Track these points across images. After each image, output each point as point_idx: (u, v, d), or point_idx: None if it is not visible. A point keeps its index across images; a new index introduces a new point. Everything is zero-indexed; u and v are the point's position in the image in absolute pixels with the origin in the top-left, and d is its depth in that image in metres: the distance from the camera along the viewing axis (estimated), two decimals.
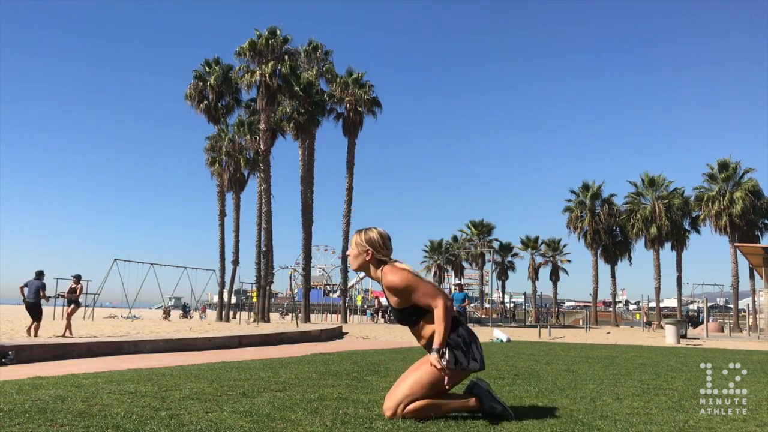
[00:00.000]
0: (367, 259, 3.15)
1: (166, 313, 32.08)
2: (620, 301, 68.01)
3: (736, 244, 31.56)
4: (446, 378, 2.96)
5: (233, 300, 35.41)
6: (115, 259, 27.12)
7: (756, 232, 36.40)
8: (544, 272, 49.04)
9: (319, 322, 31.96)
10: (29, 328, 11.76)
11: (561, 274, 48.15)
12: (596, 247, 42.68)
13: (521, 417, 3.10)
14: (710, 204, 35.97)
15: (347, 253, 3.28)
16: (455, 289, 16.58)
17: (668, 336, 16.70)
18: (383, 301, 42.82)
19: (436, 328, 2.98)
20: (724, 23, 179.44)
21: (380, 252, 3.15)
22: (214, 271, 31.13)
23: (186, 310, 38.06)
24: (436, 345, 2.97)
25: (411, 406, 2.95)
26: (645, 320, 36.86)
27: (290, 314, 39.08)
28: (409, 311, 3.07)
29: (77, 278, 13.11)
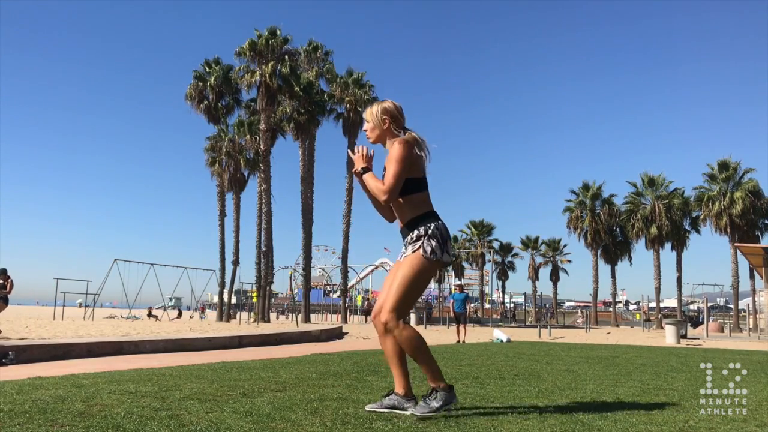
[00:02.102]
0: (385, 128, 3.17)
1: (180, 314, 31.92)
2: (620, 302, 68.00)
3: (736, 244, 31.56)
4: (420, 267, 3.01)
5: (233, 300, 35.39)
6: (115, 260, 27.08)
7: (756, 232, 36.39)
8: (544, 272, 49.13)
9: (319, 322, 31.96)
10: None
11: (561, 274, 48.25)
12: (596, 247, 42.67)
13: (521, 417, 3.10)
14: (710, 204, 35.97)
15: (363, 128, 3.29)
16: (455, 289, 16.50)
17: (668, 336, 16.70)
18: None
19: (375, 183, 3.06)
20: (724, 23, 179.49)
21: (396, 120, 3.18)
22: (214, 271, 31.15)
23: (179, 310, 37.98)
24: (366, 176, 3.10)
25: (409, 331, 3.01)
26: (645, 318, 36.90)
27: (288, 313, 39.07)
28: (414, 182, 3.09)
29: (3, 272, 11.93)
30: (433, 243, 3.05)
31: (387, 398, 3.20)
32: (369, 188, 3.10)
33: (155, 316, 29.92)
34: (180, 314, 36.22)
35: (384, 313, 3.03)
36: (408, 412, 3.02)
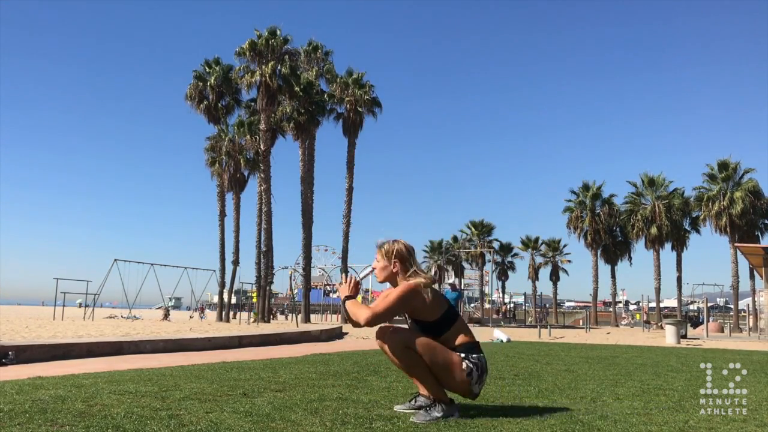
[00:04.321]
0: (394, 271, 3.21)
1: (167, 314, 31.78)
2: (620, 302, 68.00)
3: (736, 244, 31.55)
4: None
5: (233, 300, 35.35)
6: (115, 260, 27.09)
7: (756, 232, 36.39)
8: (544, 272, 49.10)
9: (319, 322, 31.94)
10: None
11: (561, 274, 48.24)
12: (596, 247, 42.66)
13: (521, 417, 3.10)
14: (710, 204, 35.96)
15: (373, 265, 3.33)
16: (448, 287, 16.40)
17: (668, 336, 16.69)
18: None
19: (352, 306, 3.09)
20: (724, 23, 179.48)
21: (405, 264, 3.21)
22: (214, 271, 31.12)
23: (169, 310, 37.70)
24: (347, 303, 3.12)
25: (411, 354, 3.03)
26: (644, 320, 36.92)
27: (287, 313, 39.04)
28: (425, 325, 3.12)
29: None
30: (473, 367, 3.08)
31: (415, 400, 3.25)
32: (348, 311, 3.11)
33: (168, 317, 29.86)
34: (166, 314, 33.69)
35: (396, 338, 3.10)
36: (411, 419, 3.02)
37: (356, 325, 3.10)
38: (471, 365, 3.07)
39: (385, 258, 3.23)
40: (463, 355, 3.09)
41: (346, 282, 3.23)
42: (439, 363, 3.04)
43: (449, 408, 3.05)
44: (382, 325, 3.19)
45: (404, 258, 3.21)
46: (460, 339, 3.14)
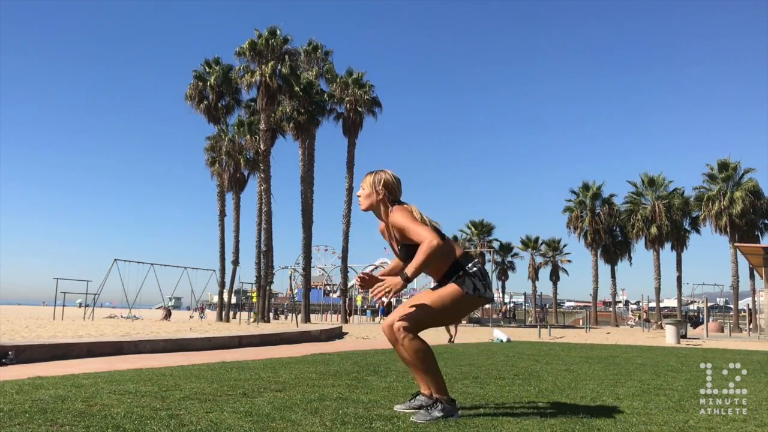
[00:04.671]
0: (378, 199, 3.15)
1: (167, 314, 31.78)
2: (620, 301, 68.00)
3: (736, 244, 31.55)
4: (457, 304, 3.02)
5: (233, 300, 35.35)
6: (115, 259, 27.08)
7: (756, 232, 36.39)
8: (544, 272, 49.06)
9: (319, 322, 31.95)
10: None
11: (561, 274, 48.17)
12: (596, 247, 42.66)
13: (521, 417, 3.10)
14: (710, 204, 35.96)
15: (357, 193, 3.26)
16: None
17: (668, 336, 16.70)
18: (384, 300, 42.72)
19: (414, 258, 2.91)
20: (724, 23, 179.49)
21: (392, 193, 3.16)
22: (214, 271, 31.12)
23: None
24: (407, 271, 2.89)
25: (417, 342, 2.98)
26: (644, 318, 36.91)
27: (287, 313, 39.04)
28: (415, 248, 3.01)
29: None
30: (475, 280, 3.06)
31: (414, 399, 3.23)
32: (421, 265, 2.88)
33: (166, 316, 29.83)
34: (168, 314, 34.08)
35: (397, 322, 3.02)
36: (416, 418, 3.00)
37: (436, 253, 2.88)
38: (472, 282, 3.05)
39: (370, 186, 3.17)
40: (460, 274, 3.05)
41: (384, 285, 2.93)
42: (449, 311, 3.04)
43: (450, 408, 3.04)
44: (403, 329, 2.99)
45: (391, 187, 3.16)
46: (458, 249, 3.13)
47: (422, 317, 3.03)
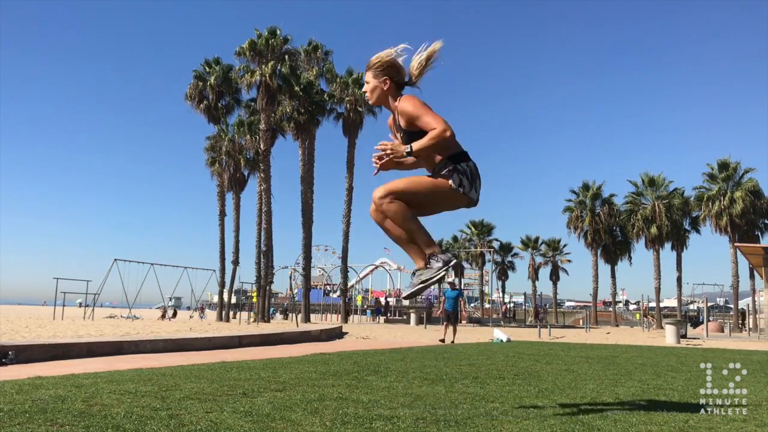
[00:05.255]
0: (385, 88, 3.06)
1: (167, 314, 31.77)
2: (620, 301, 67.98)
3: (736, 244, 31.55)
4: (441, 187, 2.96)
5: (233, 300, 35.34)
6: (115, 259, 27.04)
7: (756, 232, 36.39)
8: (544, 272, 49.10)
9: (319, 322, 31.94)
10: None
11: (561, 274, 48.21)
12: (596, 247, 42.66)
13: (521, 417, 3.10)
14: (710, 204, 35.96)
15: (363, 90, 3.19)
16: (447, 287, 16.16)
17: (668, 336, 16.70)
18: (382, 300, 42.92)
19: (424, 138, 2.89)
20: (724, 23, 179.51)
21: (398, 73, 3.06)
22: (214, 271, 31.10)
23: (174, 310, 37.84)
24: (413, 144, 2.89)
25: (396, 204, 2.93)
26: (644, 318, 36.91)
27: (286, 313, 39.05)
28: (420, 135, 2.96)
29: None
30: (462, 177, 2.98)
31: (415, 277, 3.12)
32: (427, 146, 2.88)
33: (166, 316, 29.86)
34: (174, 314, 35.37)
35: (380, 190, 2.95)
36: (416, 280, 3.01)
37: (447, 143, 2.91)
38: (459, 178, 2.96)
39: (374, 77, 3.05)
40: (450, 167, 2.98)
41: (388, 145, 2.96)
42: (429, 194, 2.98)
43: (446, 255, 3.02)
44: (381, 195, 2.98)
45: (393, 68, 3.04)
46: (455, 146, 3.04)
47: (401, 186, 2.96)
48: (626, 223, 40.64)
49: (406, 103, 2.97)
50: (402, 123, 3.02)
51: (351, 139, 33.06)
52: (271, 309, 39.64)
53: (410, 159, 3.08)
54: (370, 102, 3.12)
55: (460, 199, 3.02)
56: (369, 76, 3.09)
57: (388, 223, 3.06)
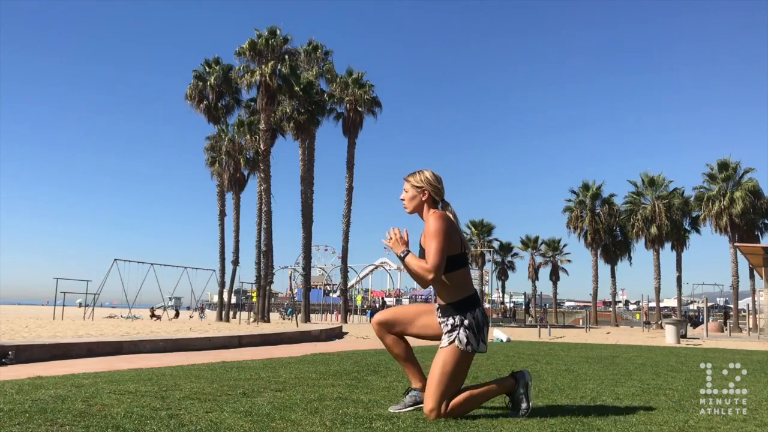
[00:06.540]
0: (424, 199, 3.13)
1: (155, 313, 31.32)
2: (620, 301, 67.97)
3: (736, 244, 31.55)
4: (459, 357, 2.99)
5: (233, 300, 35.37)
6: (115, 259, 27.07)
7: (756, 232, 36.35)
8: (544, 272, 49.10)
9: (319, 322, 31.94)
10: None
11: (561, 274, 48.20)
12: (596, 247, 42.65)
13: (521, 417, 3.10)
14: (710, 204, 35.93)
15: (401, 197, 3.21)
16: None
17: (668, 336, 16.70)
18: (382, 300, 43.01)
19: (420, 260, 2.99)
20: (724, 23, 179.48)
21: (437, 192, 3.14)
22: (214, 271, 31.14)
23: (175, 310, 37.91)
24: (410, 254, 3.02)
25: (454, 402, 2.98)
26: (645, 320, 36.92)
27: (288, 312, 39.06)
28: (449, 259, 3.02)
29: None
30: (468, 333, 3.01)
31: (408, 396, 3.24)
32: (412, 270, 2.99)
33: (158, 316, 29.87)
34: (177, 314, 35.95)
35: (431, 413, 2.96)
36: (408, 400, 3.16)
37: (424, 284, 2.99)
38: (465, 335, 2.98)
39: (414, 187, 3.14)
40: (457, 322, 3.01)
41: (395, 236, 3.08)
42: (457, 372, 3.00)
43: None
44: (382, 317, 3.23)
45: (434, 186, 3.13)
46: (468, 289, 3.07)
47: (443, 394, 2.96)
48: (626, 223, 40.64)
49: (431, 219, 3.04)
50: (422, 237, 3.11)
51: (351, 139, 33.07)
52: (289, 310, 39.69)
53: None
54: (406, 211, 3.20)
55: (471, 356, 3.05)
56: (408, 186, 3.17)
57: (389, 339, 3.24)
